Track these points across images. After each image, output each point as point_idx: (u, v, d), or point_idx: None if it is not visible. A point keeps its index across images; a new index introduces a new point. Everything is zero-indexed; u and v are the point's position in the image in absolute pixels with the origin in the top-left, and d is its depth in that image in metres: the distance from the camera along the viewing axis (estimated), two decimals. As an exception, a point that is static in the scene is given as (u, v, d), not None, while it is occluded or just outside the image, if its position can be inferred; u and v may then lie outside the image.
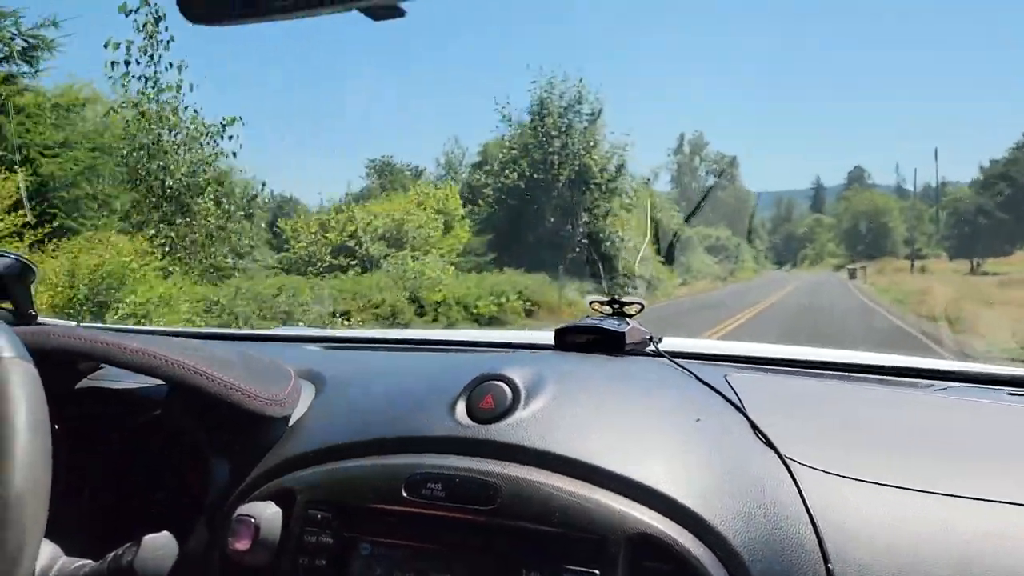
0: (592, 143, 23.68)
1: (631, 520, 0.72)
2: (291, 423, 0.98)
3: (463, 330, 2.63)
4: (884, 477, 0.74)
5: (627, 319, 1.15)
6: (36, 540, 0.65)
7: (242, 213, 12.33)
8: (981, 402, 0.97)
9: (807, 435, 0.82)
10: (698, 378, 0.95)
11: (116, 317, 8.14)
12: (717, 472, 0.77)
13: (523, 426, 0.82)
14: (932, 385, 1.03)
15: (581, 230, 23.44)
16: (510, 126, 24.46)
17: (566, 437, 0.80)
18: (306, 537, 0.81)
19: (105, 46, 11.54)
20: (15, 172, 9.04)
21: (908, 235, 54.40)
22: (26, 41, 10.55)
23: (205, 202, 11.91)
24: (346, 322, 11.66)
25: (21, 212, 8.78)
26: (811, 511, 0.71)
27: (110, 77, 11.65)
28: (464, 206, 22.76)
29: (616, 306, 1.18)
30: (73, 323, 1.39)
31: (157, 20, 11.74)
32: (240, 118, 12.26)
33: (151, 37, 11.79)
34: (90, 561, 0.85)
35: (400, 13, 0.53)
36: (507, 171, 23.76)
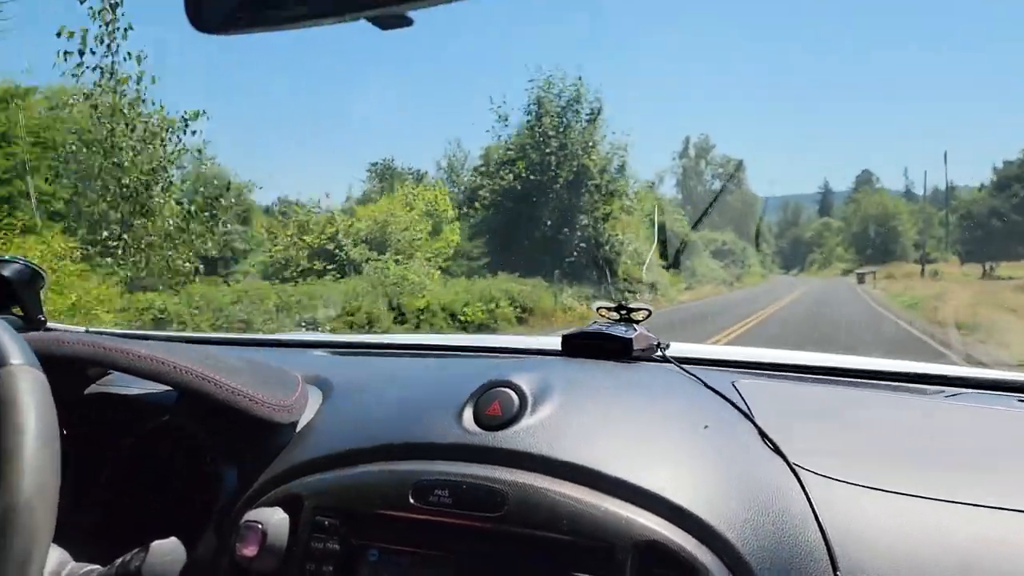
0: (591, 143, 22.70)
1: (638, 527, 0.72)
2: (298, 429, 0.97)
3: (470, 335, 2.78)
4: (893, 484, 0.74)
5: (634, 325, 1.15)
6: (44, 546, 0.65)
7: (207, 213, 11.36)
8: (990, 408, 0.96)
9: (815, 442, 0.82)
10: (706, 384, 0.95)
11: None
12: (725, 479, 0.76)
13: (530, 433, 0.82)
14: (941, 391, 1.02)
15: (579, 233, 22.54)
16: (506, 126, 23.52)
17: (573, 444, 0.80)
18: (313, 543, 0.81)
19: (58, 35, 10.65)
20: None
21: (918, 239, 53.42)
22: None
23: (166, 201, 11.01)
24: (311, 331, 10.70)
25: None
26: (819, 518, 0.70)
27: (69, 71, 10.77)
28: (462, 209, 21.95)
29: (623, 312, 1.17)
30: (82, 328, 1.47)
31: (114, 6, 10.86)
32: (204, 111, 11.35)
33: (108, 25, 10.91)
34: (98, 566, 0.83)
35: (408, 22, 0.53)
36: (503, 172, 22.83)
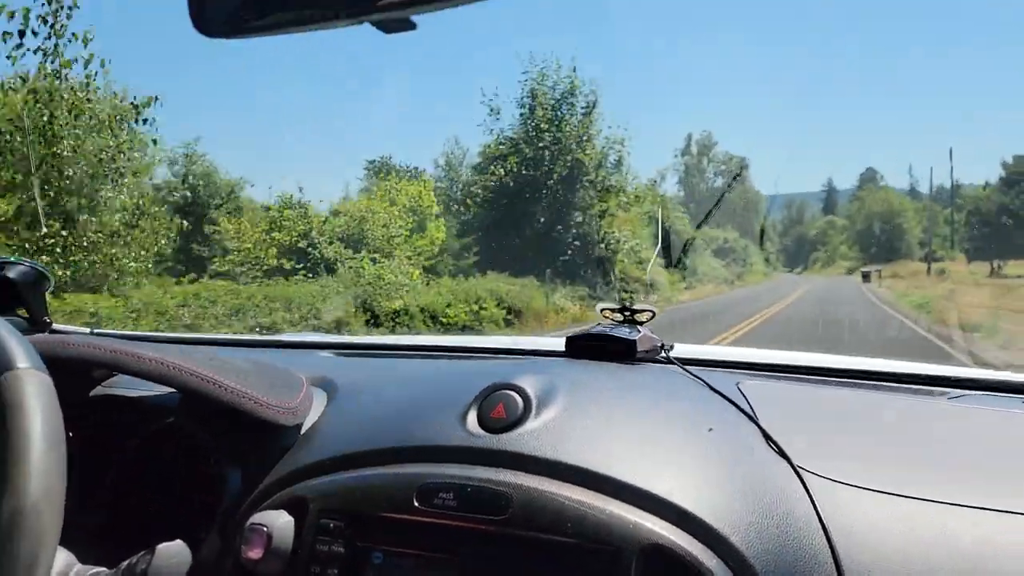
0: (586, 137, 21.67)
1: (643, 531, 0.71)
2: (303, 431, 0.97)
3: (474, 336, 2.50)
4: (898, 487, 0.73)
5: (638, 327, 1.14)
6: (51, 549, 0.65)
7: (157, 208, 10.38)
8: (996, 411, 0.95)
9: (820, 445, 0.81)
10: (710, 386, 0.94)
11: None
12: (729, 482, 0.76)
13: (535, 436, 0.82)
14: (946, 393, 1.01)
15: (574, 231, 21.56)
16: (498, 119, 22.46)
17: (577, 447, 0.80)
18: (318, 546, 0.81)
19: (-3, 14, 9.69)
20: None
21: (923, 237, 52.42)
22: None
23: (116, 195, 10.05)
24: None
25: None
26: (824, 521, 0.70)
27: (7, 54, 9.81)
28: (456, 206, 21.01)
29: (627, 313, 1.17)
30: (86, 330, 1.48)
31: (59, -16, 9.88)
32: (157, 98, 10.36)
33: (51, 3, 9.93)
34: (104, 568, 0.83)
35: (411, 26, 0.53)
36: (494, 168, 21.83)
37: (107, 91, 10.43)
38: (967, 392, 1.02)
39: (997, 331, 12.52)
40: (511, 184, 21.57)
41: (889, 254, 51.13)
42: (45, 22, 9.86)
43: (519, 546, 0.74)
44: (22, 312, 1.19)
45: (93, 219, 9.72)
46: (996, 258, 37.73)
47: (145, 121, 10.42)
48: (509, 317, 15.35)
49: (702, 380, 0.97)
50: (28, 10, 9.71)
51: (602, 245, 21.71)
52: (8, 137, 9.55)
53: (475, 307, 14.33)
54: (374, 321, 11.75)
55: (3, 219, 9.26)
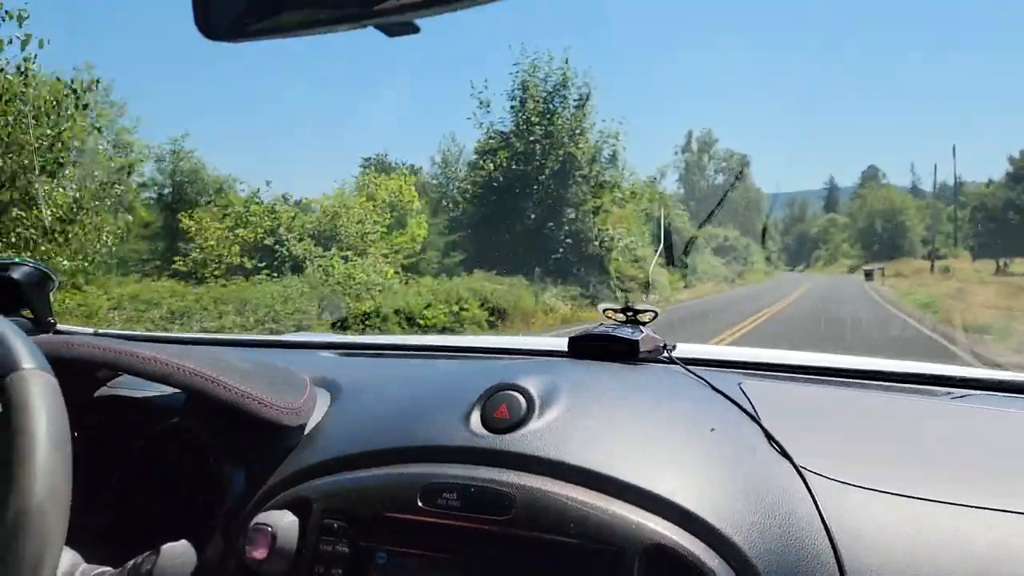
0: (578, 130, 20.68)
1: (646, 531, 0.71)
2: (307, 431, 0.97)
3: (476, 336, 2.08)
4: (900, 488, 0.73)
5: (640, 327, 1.13)
6: (57, 549, 0.65)
7: (98, 202, 9.43)
8: (999, 411, 0.94)
9: (822, 445, 0.81)
10: (712, 386, 0.94)
11: None
12: (731, 483, 0.76)
13: (538, 436, 0.81)
14: (949, 393, 1.01)
15: (567, 228, 20.60)
16: (488, 112, 21.45)
17: (580, 448, 0.79)
18: (322, 546, 0.81)
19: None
20: None
21: (926, 234, 51.47)
22: None
23: (55, 188, 9.12)
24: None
25: None
26: (826, 522, 0.70)
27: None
28: (445, 203, 20.11)
29: (629, 314, 1.16)
30: (90, 330, 1.48)
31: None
32: (99, 81, 9.43)
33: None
34: (109, 568, 0.83)
35: (415, 30, 0.54)
36: (483, 162, 20.86)
37: (45, 77, 9.47)
38: (970, 392, 1.01)
39: (1010, 333, 11.59)
40: (501, 179, 20.62)
41: (892, 252, 50.45)
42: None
43: (522, 546, 0.74)
44: (26, 312, 1.19)
45: (23, 214, 8.79)
46: (1002, 255, 36.66)
47: (85, 107, 9.51)
48: (492, 319, 14.43)
49: (704, 380, 0.97)
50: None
51: (596, 243, 20.78)
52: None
53: (455, 308, 13.40)
54: (340, 324, 10.82)
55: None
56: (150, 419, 1.06)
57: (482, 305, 14.77)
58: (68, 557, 0.81)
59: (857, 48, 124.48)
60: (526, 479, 0.77)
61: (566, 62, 20.99)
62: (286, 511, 0.83)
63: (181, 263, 12.86)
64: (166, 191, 18.48)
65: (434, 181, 25.51)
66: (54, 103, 9.37)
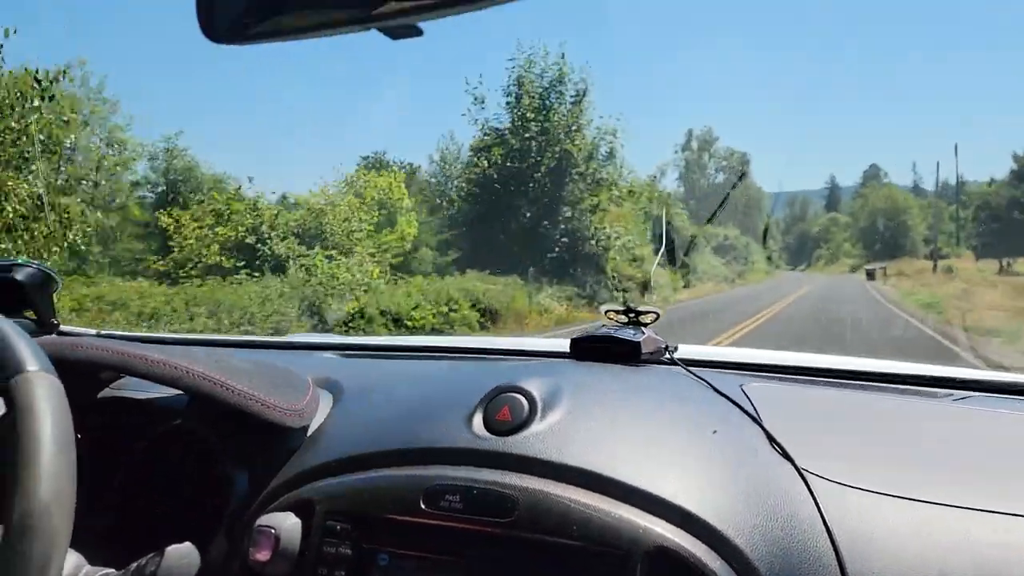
0: (575, 127, 20.17)
1: (649, 533, 0.71)
2: (309, 433, 0.97)
3: (478, 337, 2.22)
4: (902, 490, 0.73)
5: (642, 328, 1.13)
6: (62, 550, 0.65)
7: (66, 198, 8.95)
8: (1000, 412, 0.94)
9: (824, 447, 0.81)
10: (714, 388, 0.94)
11: None
12: (733, 485, 0.76)
13: (540, 438, 0.81)
14: (951, 394, 1.00)
15: (563, 227, 20.12)
16: (483, 108, 20.94)
17: (583, 450, 0.79)
18: (325, 548, 0.81)
19: None
20: None
21: (928, 234, 50.99)
22: None
23: (16, 185, 8.64)
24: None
25: None
26: (828, 524, 0.70)
27: None
28: (440, 202, 19.61)
29: (631, 315, 1.16)
30: (93, 331, 1.48)
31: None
32: (67, 71, 8.97)
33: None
34: (113, 570, 0.83)
35: (418, 32, 0.54)
36: (477, 159, 20.37)
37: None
38: (971, 393, 1.01)
39: (1020, 336, 11.08)
40: (495, 177, 20.13)
41: (893, 251, 50.00)
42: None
43: (525, 548, 0.74)
44: (30, 314, 1.18)
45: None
46: (1006, 255, 36.07)
47: (51, 98, 9.05)
48: (483, 320, 13.97)
49: (706, 382, 0.96)
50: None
51: (593, 241, 20.30)
52: None
53: (444, 309, 12.93)
54: (322, 326, 10.34)
55: None
56: (153, 421, 1.05)
57: (473, 306, 14.31)
58: (72, 559, 0.80)
59: (858, 47, 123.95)
60: (529, 481, 0.77)
61: (562, 57, 20.51)
62: (289, 513, 0.83)
63: (160, 263, 12.34)
64: (159, 189, 18.03)
65: (433, 180, 25.02)
66: (19, 95, 8.92)
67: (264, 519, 0.82)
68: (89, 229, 9.65)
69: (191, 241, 12.50)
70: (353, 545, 0.79)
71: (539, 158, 19.88)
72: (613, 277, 20.54)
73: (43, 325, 1.22)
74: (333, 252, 12.36)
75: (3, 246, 8.38)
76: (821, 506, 0.71)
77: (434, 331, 12.04)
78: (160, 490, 1.03)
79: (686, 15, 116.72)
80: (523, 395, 0.86)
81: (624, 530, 0.71)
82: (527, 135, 19.98)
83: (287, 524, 0.81)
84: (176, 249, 12.38)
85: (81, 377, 0.96)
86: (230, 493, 0.93)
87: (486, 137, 20.68)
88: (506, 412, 0.85)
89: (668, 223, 24.63)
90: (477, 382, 0.91)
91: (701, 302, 22.75)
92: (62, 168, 10.00)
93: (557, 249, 19.85)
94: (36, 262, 1.18)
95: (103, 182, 16.06)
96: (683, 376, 1.01)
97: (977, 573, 0.65)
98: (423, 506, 0.78)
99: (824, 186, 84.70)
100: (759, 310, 17.77)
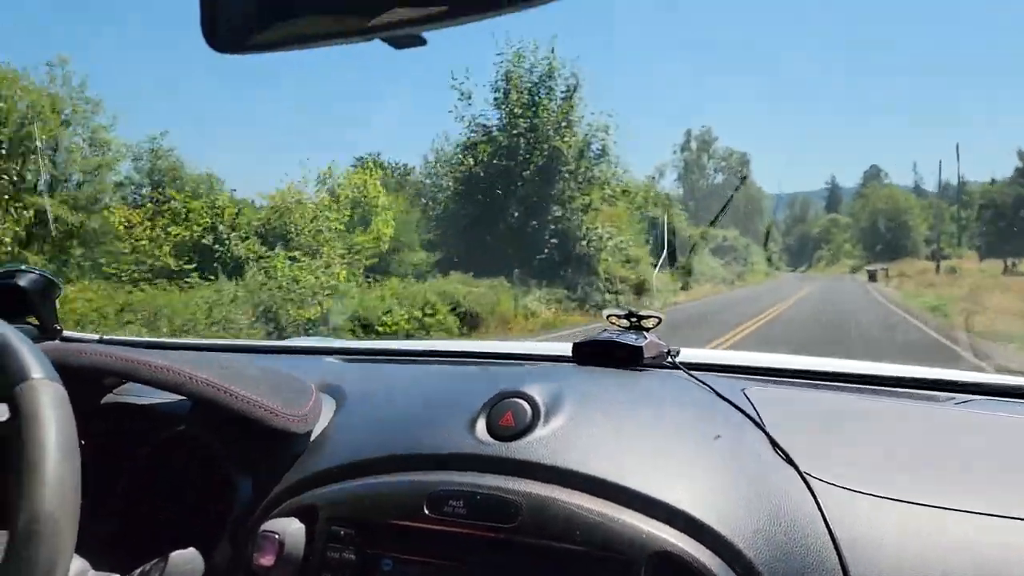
0: (564, 123, 19.24)
1: (652, 539, 0.71)
2: (313, 438, 0.97)
3: (480, 341, 2.25)
4: (904, 494, 0.73)
5: (644, 333, 1.12)
6: (68, 556, 0.66)
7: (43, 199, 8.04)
8: (1002, 416, 0.94)
9: (826, 451, 0.81)
10: (716, 392, 0.94)
11: None
12: (736, 490, 0.75)
13: (543, 444, 0.81)
14: (952, 398, 1.00)
15: (553, 227, 19.19)
16: (470, 105, 20.02)
17: (586, 455, 0.79)
18: (329, 553, 0.80)
19: None
20: None
21: (929, 234, 50.05)
22: None
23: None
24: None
25: None
26: (831, 528, 0.69)
27: None
28: (426, 203, 18.72)
29: (633, 319, 1.14)
30: (95, 336, 1.47)
31: None
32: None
33: None
34: (117, 575, 0.83)
35: (421, 42, 0.53)
36: (464, 158, 19.46)
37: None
38: (972, 397, 1.00)
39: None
40: (482, 175, 19.24)
41: (894, 252, 49.04)
42: None
43: (528, 554, 0.74)
44: (32, 320, 1.19)
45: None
46: (1011, 255, 35.01)
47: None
48: (464, 325, 13.06)
49: (708, 386, 0.96)
50: None
51: (584, 242, 19.38)
52: None
53: (419, 313, 12.01)
54: (277, 334, 9.41)
55: None
56: (156, 426, 1.04)
57: (453, 310, 13.41)
58: (77, 564, 0.79)
59: (858, 45, 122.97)
60: (532, 487, 0.76)
61: (552, 51, 19.59)
62: (293, 518, 0.82)
63: (111, 266, 11.35)
64: (144, 190, 17.15)
65: (428, 180, 24.18)
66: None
67: (268, 525, 0.82)
68: (18, 228, 8.72)
69: (144, 242, 11.51)
70: (357, 550, 0.79)
71: (528, 155, 19.00)
72: (606, 279, 19.63)
73: (46, 331, 1.20)
74: (297, 253, 11.40)
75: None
76: (824, 510, 0.71)
77: (410, 337, 11.12)
78: (163, 496, 1.02)
79: (685, 14, 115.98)
80: (526, 400, 0.85)
81: (628, 535, 0.71)
82: (515, 132, 19.09)
83: (291, 530, 0.81)
84: (129, 250, 11.38)
85: (85, 383, 0.96)
86: (233, 499, 0.92)
87: (473, 134, 19.80)
88: (509, 417, 0.84)
89: (672, 226, 23.99)
90: (480, 387, 0.91)
91: (699, 304, 22.01)
92: (32, 167, 9.06)
93: (547, 250, 18.95)
94: (39, 268, 1.17)
95: (86, 183, 15.22)
96: (685, 380, 1.00)
97: None
98: (427, 511, 0.77)
99: (824, 186, 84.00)
100: (758, 313, 17.04)
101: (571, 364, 1.12)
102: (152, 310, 8.48)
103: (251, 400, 0.89)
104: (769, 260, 54.10)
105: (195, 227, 11.63)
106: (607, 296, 19.20)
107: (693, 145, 64.31)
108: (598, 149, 20.37)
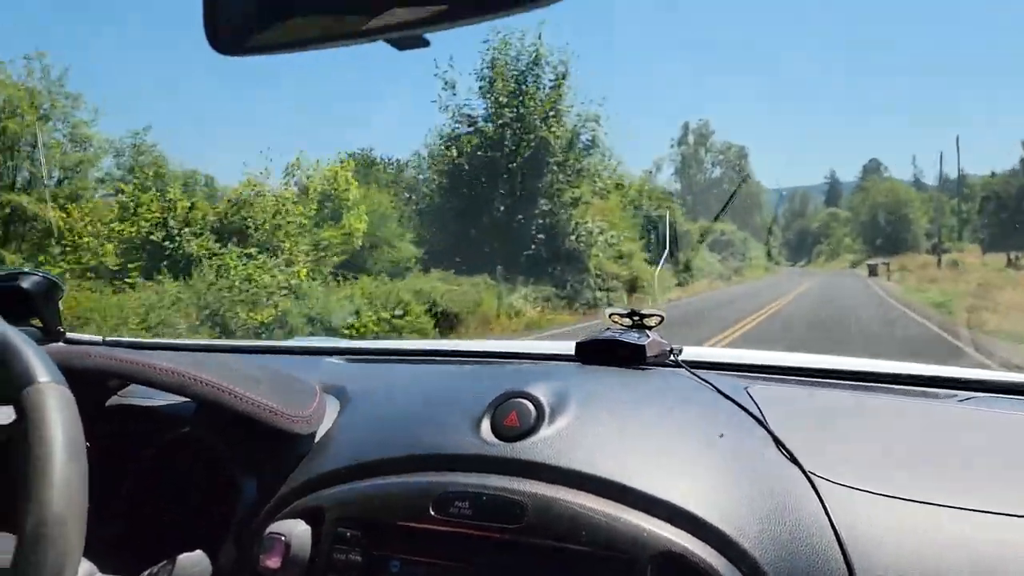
0: (552, 113, 18.29)
1: (657, 538, 0.71)
2: (317, 439, 0.96)
3: (484, 340, 2.21)
4: (908, 492, 0.72)
5: (647, 331, 1.12)
6: (76, 559, 0.66)
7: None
8: (1005, 412, 0.93)
9: (829, 449, 0.81)
10: (719, 391, 0.93)
11: None
12: (740, 489, 0.75)
13: (548, 444, 0.81)
14: (955, 395, 1.00)
15: (540, 221, 18.26)
16: (454, 94, 19.08)
17: (590, 456, 0.79)
18: (335, 555, 0.80)
19: None
20: None
21: (929, 228, 49.19)
22: None
23: None
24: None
25: None
26: (835, 526, 0.69)
27: None
28: (410, 197, 17.83)
29: (635, 318, 1.14)
30: (99, 338, 1.46)
31: None
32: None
33: None
34: None
35: (424, 43, 0.54)
36: (448, 149, 18.53)
37: None
38: (974, 394, 0.99)
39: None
40: (466, 167, 18.31)
41: (895, 246, 48.20)
42: None
43: (534, 554, 0.74)
44: (36, 322, 1.18)
45: None
46: (1014, 248, 34.00)
47: None
48: (440, 327, 12.15)
49: (711, 384, 0.95)
50: None
51: (573, 237, 18.46)
52: None
53: (389, 315, 11.09)
54: (224, 338, 8.49)
55: None
56: (161, 428, 1.04)
57: (429, 310, 12.51)
58: (84, 567, 0.79)
59: (857, 38, 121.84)
60: (537, 487, 0.76)
61: (539, 37, 18.62)
62: (299, 520, 0.82)
63: (53, 264, 10.39)
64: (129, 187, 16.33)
65: (421, 176, 23.30)
66: None
67: (274, 526, 0.82)
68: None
69: (87, 239, 10.51)
70: (363, 552, 0.79)
71: (514, 147, 18.07)
72: (596, 275, 18.72)
73: (49, 333, 1.20)
74: (253, 250, 10.43)
75: None
76: (828, 508, 0.71)
77: (379, 339, 10.19)
78: (168, 498, 1.02)
79: (684, 8, 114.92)
80: (530, 401, 0.85)
81: (632, 535, 0.71)
82: (501, 122, 18.16)
83: (297, 531, 0.81)
84: (69, 248, 10.37)
85: (89, 386, 0.94)
86: (238, 500, 0.92)
87: (458, 125, 18.87)
88: (514, 418, 0.84)
89: (662, 220, 23.24)
90: (483, 387, 0.90)
91: (695, 301, 21.18)
92: (10, 163, 8.18)
93: (534, 245, 18.03)
94: (41, 271, 1.17)
95: (66, 179, 14.42)
96: (688, 379, 1.00)
97: (986, 574, 0.64)
98: (432, 512, 0.77)
99: (824, 181, 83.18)
100: (756, 309, 16.23)
101: (574, 363, 1.11)
102: (76, 315, 7.56)
103: (255, 401, 0.89)
104: (768, 255, 53.30)
105: (142, 222, 10.65)
106: (598, 294, 18.34)
107: (690, 139, 63.26)
108: (588, 140, 19.47)
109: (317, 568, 0.80)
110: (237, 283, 9.60)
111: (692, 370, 1.02)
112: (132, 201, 10.92)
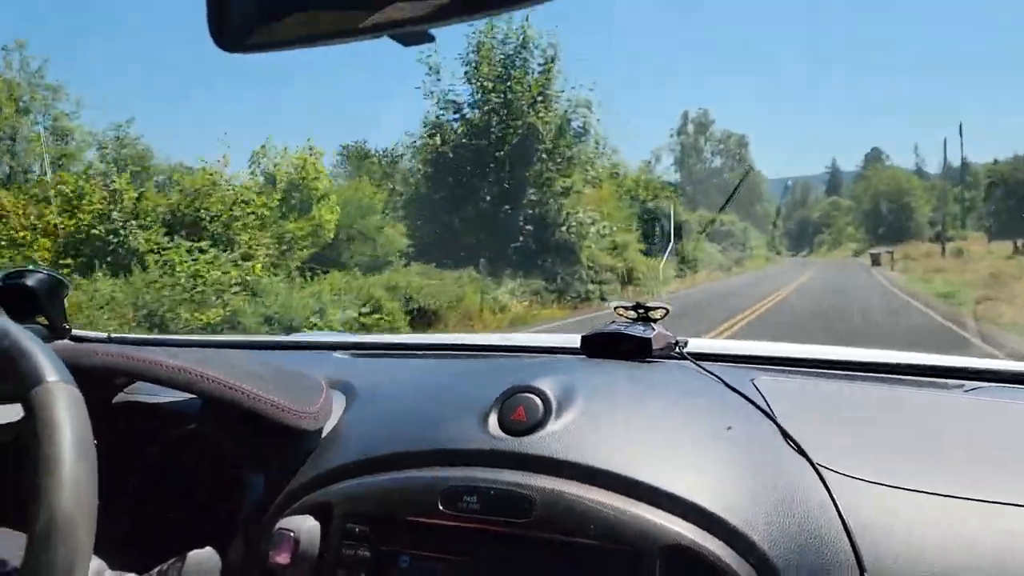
0: (540, 98, 17.33)
1: (665, 531, 0.71)
2: (324, 435, 0.96)
3: (489, 334, 2.25)
4: (917, 483, 0.72)
5: (652, 324, 1.11)
6: (86, 558, 0.66)
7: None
8: (1011, 402, 0.93)
9: (837, 440, 0.80)
10: (726, 383, 0.93)
11: None
12: (748, 481, 0.75)
13: (555, 438, 0.81)
14: (962, 385, 0.98)
15: (529, 212, 17.36)
16: (439, 80, 18.13)
17: (599, 449, 0.79)
18: (344, 551, 0.80)
19: None
20: None
21: (932, 216, 48.18)
22: None
23: None
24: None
25: None
26: (844, 518, 0.69)
27: None
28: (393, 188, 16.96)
29: (641, 311, 1.13)
30: (104, 335, 1.45)
31: None
32: None
33: None
34: (133, 575, 0.83)
35: (430, 39, 0.53)
36: (431, 137, 17.60)
37: None
38: (982, 384, 0.98)
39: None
40: (451, 156, 17.38)
41: (898, 235, 47.21)
42: None
43: (543, 548, 0.74)
44: (41, 320, 1.17)
45: None
46: (1022, 236, 32.95)
47: None
48: (415, 325, 11.27)
49: (717, 377, 0.95)
50: None
51: (563, 228, 17.55)
52: None
53: (356, 313, 10.19)
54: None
55: None
56: (167, 425, 1.03)
57: (405, 307, 11.62)
58: (93, 565, 0.79)
59: (858, 26, 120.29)
60: (546, 481, 0.76)
61: (527, 19, 17.64)
62: (308, 516, 0.82)
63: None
64: (110, 181, 15.51)
65: (407, 163, 22.42)
66: None
67: (283, 522, 0.82)
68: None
69: (23, 233, 9.56)
70: (372, 547, 0.79)
71: (501, 134, 17.14)
72: (589, 267, 17.81)
73: (55, 330, 1.19)
74: (204, 244, 9.51)
75: None
76: (836, 500, 0.70)
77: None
78: (175, 494, 1.02)
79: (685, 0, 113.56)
80: (537, 395, 0.85)
81: (641, 528, 0.71)
82: (487, 108, 17.23)
83: (306, 527, 0.81)
84: (3, 244, 9.39)
85: (96, 384, 0.95)
86: (245, 497, 0.92)
87: (442, 112, 17.95)
88: (521, 412, 0.83)
89: (663, 211, 22.44)
90: (490, 381, 0.90)
91: (695, 292, 20.43)
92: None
93: (522, 237, 17.15)
94: (47, 268, 1.16)
95: (47, 174, 13.59)
96: (694, 372, 1.00)
97: (993, 565, 0.64)
98: (441, 507, 0.77)
99: (825, 170, 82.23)
100: (758, 300, 15.68)
101: (579, 357, 1.11)
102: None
103: (262, 397, 0.89)
104: (770, 244, 52.37)
105: (81, 215, 9.73)
106: (590, 286, 17.48)
107: (690, 128, 62.16)
108: (579, 127, 18.53)
109: (326, 564, 0.79)
110: (182, 280, 8.69)
111: (698, 362, 1.01)
112: (74, 192, 10.00)
